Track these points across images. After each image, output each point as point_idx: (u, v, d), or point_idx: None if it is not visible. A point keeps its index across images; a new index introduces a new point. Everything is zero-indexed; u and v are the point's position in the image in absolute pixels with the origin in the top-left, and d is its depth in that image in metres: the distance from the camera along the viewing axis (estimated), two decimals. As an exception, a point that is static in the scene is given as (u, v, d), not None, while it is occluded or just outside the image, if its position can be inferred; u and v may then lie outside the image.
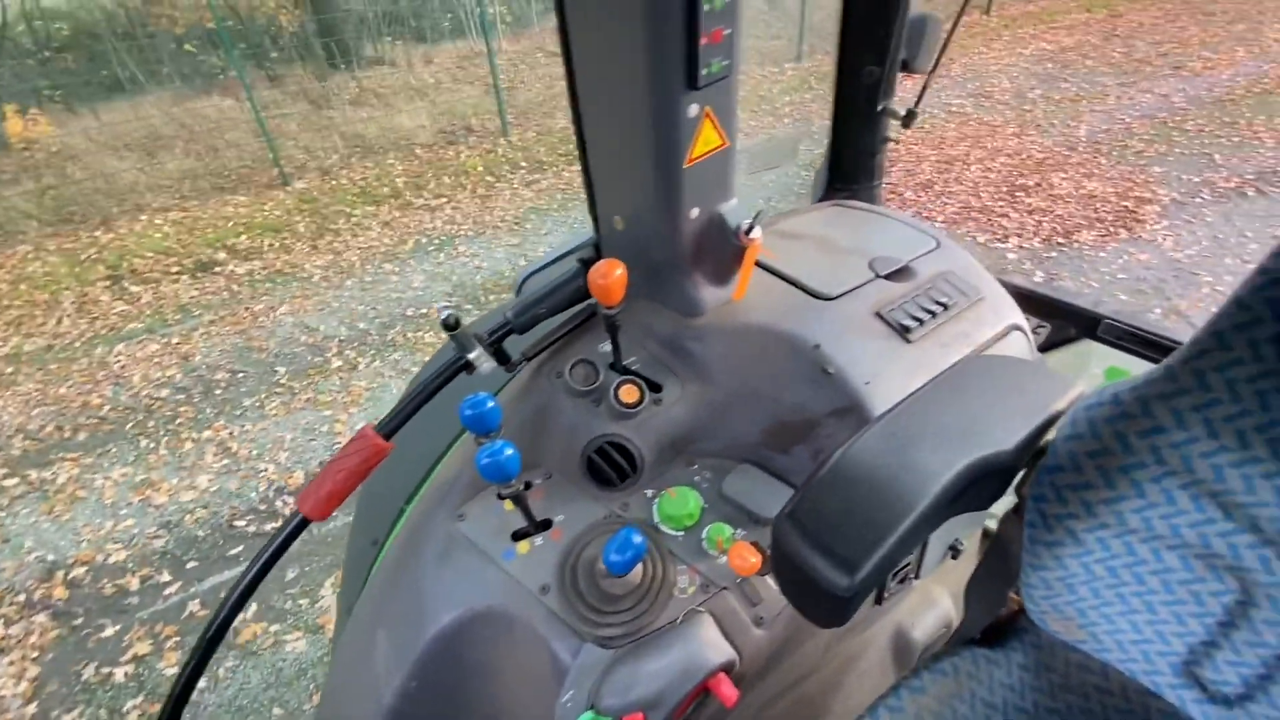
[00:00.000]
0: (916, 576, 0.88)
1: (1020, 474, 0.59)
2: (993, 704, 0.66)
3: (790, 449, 0.81)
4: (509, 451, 0.62)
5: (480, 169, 5.39)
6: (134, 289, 4.11)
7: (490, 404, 0.62)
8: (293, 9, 7.34)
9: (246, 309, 3.82)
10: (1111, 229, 3.78)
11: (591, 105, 0.73)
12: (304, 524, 0.72)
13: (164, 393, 3.19)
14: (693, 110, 0.67)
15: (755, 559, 0.65)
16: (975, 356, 0.70)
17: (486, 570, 0.75)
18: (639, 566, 0.72)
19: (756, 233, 0.75)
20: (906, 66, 1.02)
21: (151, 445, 2.87)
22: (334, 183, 5.31)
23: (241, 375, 3.27)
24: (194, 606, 2.15)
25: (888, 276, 0.88)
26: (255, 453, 2.78)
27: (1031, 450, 0.57)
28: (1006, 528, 0.64)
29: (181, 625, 2.09)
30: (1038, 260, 3.56)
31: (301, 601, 2.12)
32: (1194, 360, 0.46)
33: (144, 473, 2.72)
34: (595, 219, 0.85)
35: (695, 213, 0.75)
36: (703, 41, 0.61)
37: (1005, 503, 0.63)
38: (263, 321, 3.70)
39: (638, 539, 0.63)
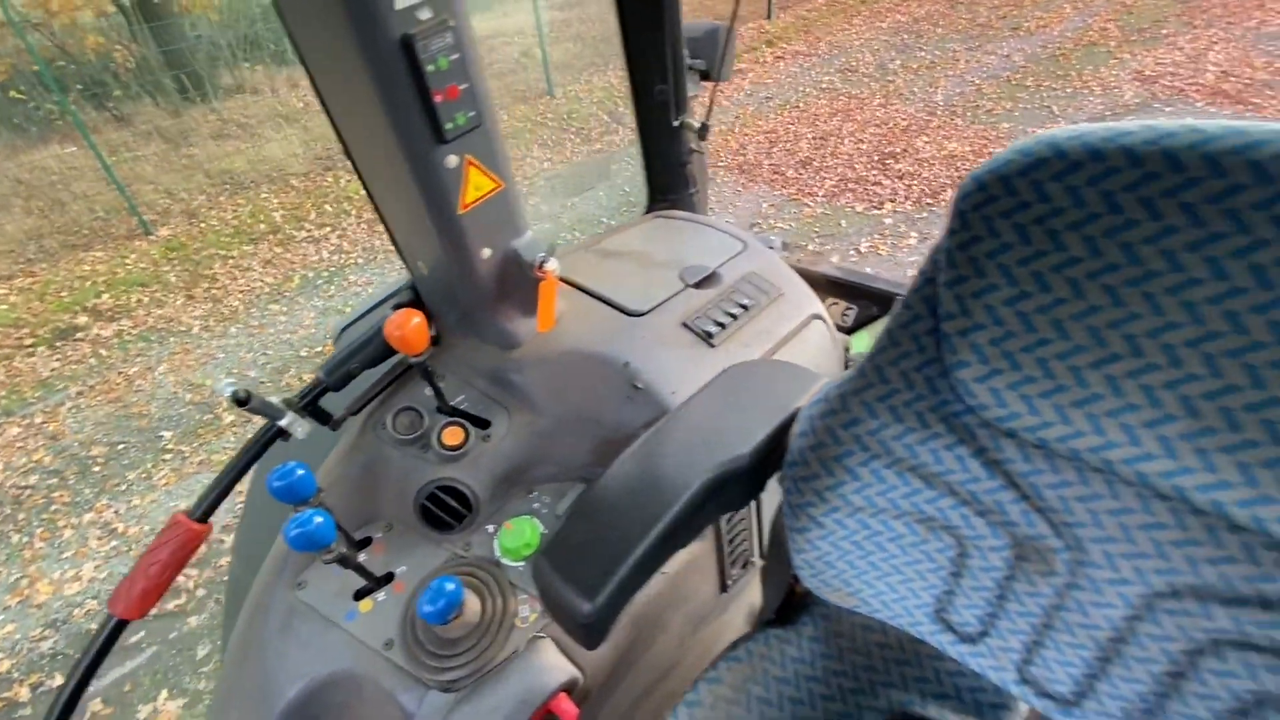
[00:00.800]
0: (762, 558, 0.94)
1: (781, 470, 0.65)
2: (785, 679, 0.71)
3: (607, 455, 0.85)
4: (319, 520, 0.61)
5: (363, 193, 5.18)
6: (-18, 369, 3.70)
7: (300, 472, 0.62)
8: (129, 42, 6.76)
9: (119, 374, 3.52)
10: (972, 185, 4.08)
11: (362, 162, 0.74)
12: (121, 626, 0.69)
13: (33, 479, 2.91)
14: (451, 161, 0.68)
15: None
16: (734, 366, 0.75)
17: (329, 635, 0.75)
18: (476, 605, 0.73)
19: (552, 264, 0.77)
20: (707, 76, 1.06)
21: (24, 540, 2.60)
22: (203, 225, 4.96)
23: (122, 447, 3.02)
24: (95, 706, 1.98)
25: (696, 285, 0.93)
26: (147, 529, 2.58)
27: (770, 451, 0.62)
28: (779, 516, 0.70)
29: (82, 730, 1.92)
30: (911, 223, 3.80)
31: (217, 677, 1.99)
32: (875, 358, 0.53)
33: (19, 571, 2.47)
34: (406, 264, 0.85)
35: (487, 253, 0.76)
36: (438, 100, 0.63)
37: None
38: (140, 385, 3.43)
39: (450, 586, 0.65)
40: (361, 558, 0.79)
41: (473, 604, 0.73)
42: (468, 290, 0.79)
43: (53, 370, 3.63)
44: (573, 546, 0.56)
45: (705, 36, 1.02)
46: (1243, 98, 4.60)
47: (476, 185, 0.70)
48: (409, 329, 0.71)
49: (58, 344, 3.84)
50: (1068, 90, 5.21)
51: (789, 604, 0.79)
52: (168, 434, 3.05)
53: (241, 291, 4.11)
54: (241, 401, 0.69)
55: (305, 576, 0.80)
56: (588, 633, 0.55)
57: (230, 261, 4.45)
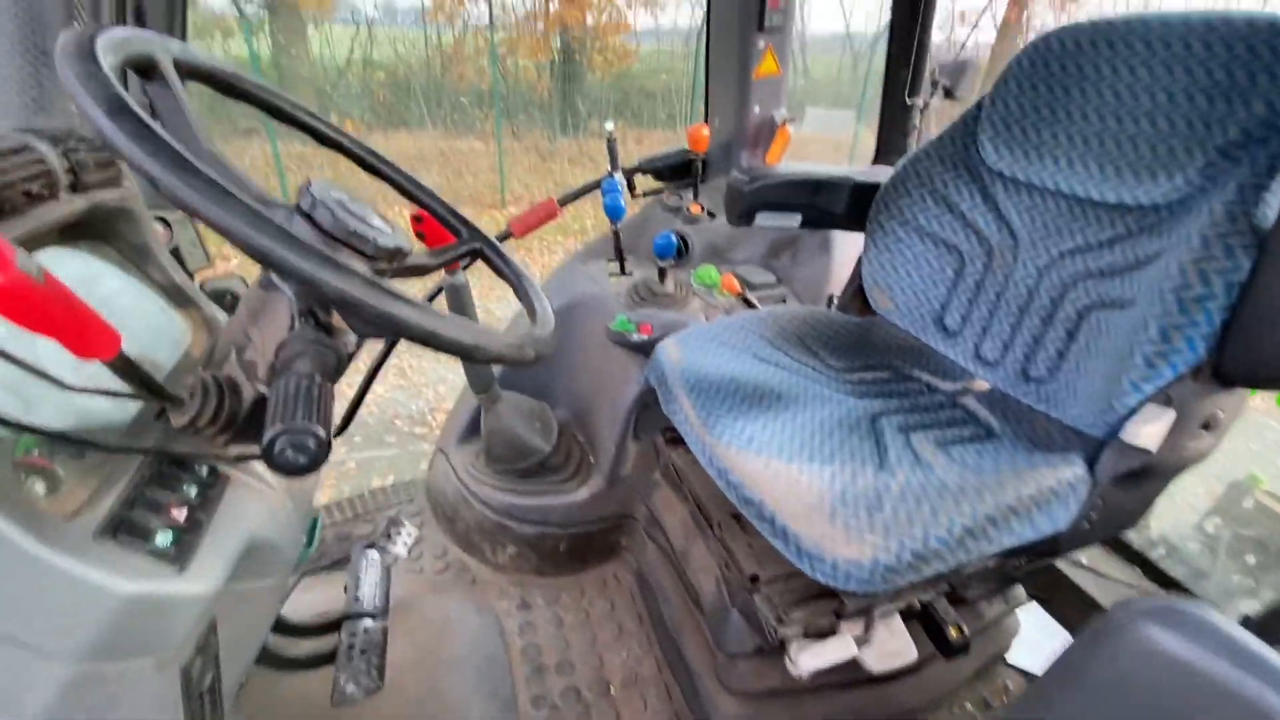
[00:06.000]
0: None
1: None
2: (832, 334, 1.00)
3: (780, 255, 1.38)
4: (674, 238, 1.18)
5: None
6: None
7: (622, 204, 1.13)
8: (550, 81, 9.05)
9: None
10: None
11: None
12: (506, 235, 1.23)
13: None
14: (760, 43, 1.21)
15: (737, 283, 1.22)
16: None
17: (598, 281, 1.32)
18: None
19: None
20: (949, 94, 1.37)
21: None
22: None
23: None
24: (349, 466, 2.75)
25: None
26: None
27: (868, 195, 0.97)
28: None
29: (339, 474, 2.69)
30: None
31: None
32: (942, 132, 0.88)
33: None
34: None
35: (757, 110, 1.30)
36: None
37: None
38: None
39: (675, 239, 1.16)
40: None
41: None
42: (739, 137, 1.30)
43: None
44: None
45: (957, 65, 1.35)
46: None
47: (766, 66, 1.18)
48: (699, 135, 1.25)
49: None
50: None
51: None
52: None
53: (541, 265, 5.23)
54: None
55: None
56: None
57: (545, 241, 5.69)
